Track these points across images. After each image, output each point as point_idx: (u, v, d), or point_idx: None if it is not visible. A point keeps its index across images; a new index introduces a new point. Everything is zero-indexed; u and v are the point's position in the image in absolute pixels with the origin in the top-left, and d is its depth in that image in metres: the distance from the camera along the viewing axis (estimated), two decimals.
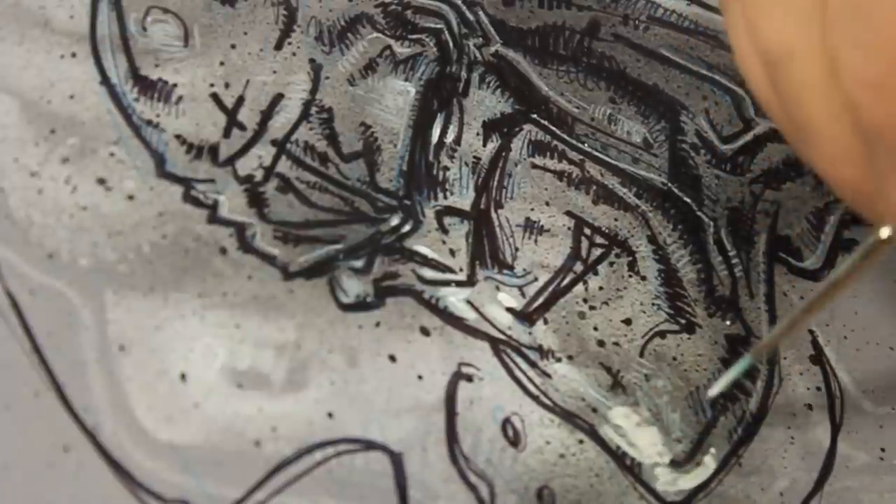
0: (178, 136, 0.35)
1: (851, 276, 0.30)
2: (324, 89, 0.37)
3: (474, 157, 0.37)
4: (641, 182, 0.38)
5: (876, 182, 0.25)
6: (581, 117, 0.39)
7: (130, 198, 0.34)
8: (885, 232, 0.27)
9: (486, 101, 0.38)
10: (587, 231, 0.37)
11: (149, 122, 0.35)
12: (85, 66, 0.35)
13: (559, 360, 0.35)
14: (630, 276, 0.37)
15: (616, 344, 0.36)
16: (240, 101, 0.36)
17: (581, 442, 0.34)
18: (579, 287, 0.36)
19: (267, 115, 0.36)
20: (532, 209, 0.37)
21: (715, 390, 0.35)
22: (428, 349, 0.34)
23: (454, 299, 0.35)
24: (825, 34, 0.25)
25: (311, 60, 0.37)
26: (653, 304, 0.36)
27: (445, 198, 0.37)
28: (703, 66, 0.41)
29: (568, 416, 0.34)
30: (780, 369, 0.37)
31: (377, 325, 0.34)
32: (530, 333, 0.35)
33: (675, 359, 0.36)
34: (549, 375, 0.35)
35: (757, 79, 0.27)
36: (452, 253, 0.36)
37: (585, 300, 0.36)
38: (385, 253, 0.35)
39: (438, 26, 0.39)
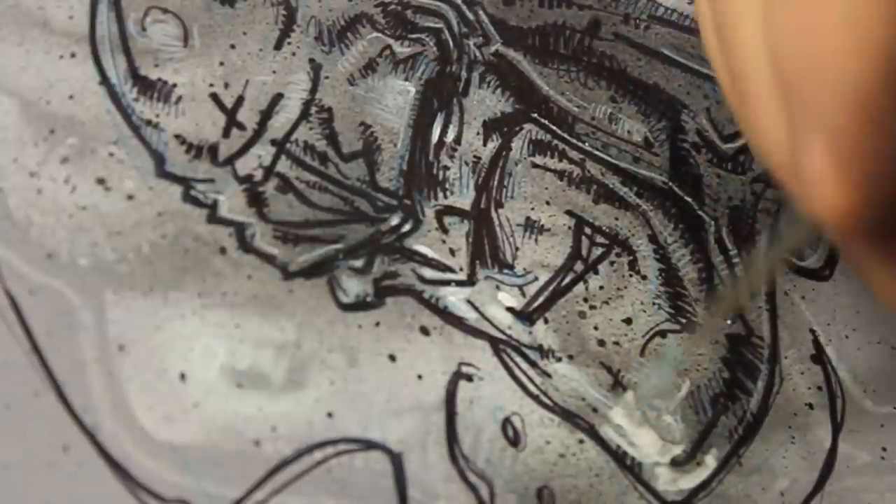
0: (177, 136, 0.35)
1: (780, 260, 0.30)
2: (323, 89, 0.37)
3: (474, 156, 0.37)
4: (642, 181, 0.38)
5: (794, 147, 0.24)
6: (581, 116, 0.39)
7: (130, 198, 0.34)
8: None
9: (486, 101, 0.38)
10: (588, 230, 0.37)
11: (148, 122, 0.35)
12: (84, 66, 0.35)
13: (559, 359, 0.35)
14: (631, 275, 0.37)
15: (616, 343, 0.36)
16: (239, 100, 0.36)
17: (581, 442, 0.34)
18: (580, 286, 0.36)
19: (266, 114, 0.36)
20: (532, 208, 0.37)
21: (647, 391, 0.35)
22: (428, 349, 0.34)
23: (454, 299, 0.35)
24: None
25: (311, 60, 0.37)
26: (653, 304, 0.36)
27: (445, 197, 0.37)
28: (704, 65, 0.41)
29: (568, 416, 0.34)
30: (781, 369, 0.37)
31: (377, 324, 0.34)
32: (530, 333, 0.35)
33: (675, 358, 0.36)
34: (549, 375, 0.35)
35: (707, 31, 0.27)
36: (452, 252, 0.36)
37: (586, 299, 0.36)
38: (385, 252, 0.35)
39: (438, 26, 0.39)
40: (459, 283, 0.35)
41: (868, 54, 0.21)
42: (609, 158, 0.38)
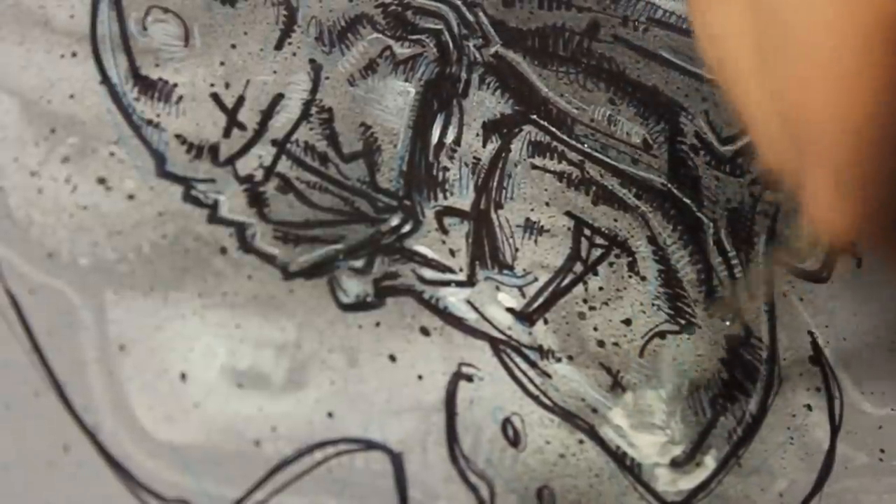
0: (178, 136, 0.35)
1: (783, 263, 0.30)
2: (324, 89, 0.37)
3: (474, 157, 0.37)
4: (641, 183, 0.38)
5: (800, 174, 0.26)
6: (581, 118, 0.39)
7: (130, 197, 0.34)
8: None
9: (485, 102, 0.38)
10: (587, 231, 0.37)
11: (149, 122, 0.35)
12: (85, 65, 0.35)
13: (559, 360, 0.35)
14: (630, 276, 0.37)
15: (616, 344, 0.36)
16: (240, 100, 0.36)
17: (581, 442, 0.34)
18: (579, 287, 0.36)
19: (267, 114, 0.36)
20: (532, 209, 0.37)
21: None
22: (428, 349, 0.34)
23: (454, 299, 0.35)
24: (755, 22, 0.25)
25: (312, 60, 0.37)
26: (652, 305, 0.36)
27: (445, 198, 0.37)
28: (702, 68, 0.41)
29: (568, 417, 0.34)
30: (780, 370, 0.37)
31: (377, 324, 0.34)
32: (530, 334, 0.35)
33: (674, 359, 0.36)
34: (549, 375, 0.35)
35: (709, 60, 0.28)
36: (452, 253, 0.36)
37: (585, 300, 0.36)
38: (385, 253, 0.35)
39: (438, 27, 0.39)
40: (459, 284, 0.35)
41: (861, 105, 0.23)
42: (608, 160, 0.38)
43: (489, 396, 0.34)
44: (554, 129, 0.39)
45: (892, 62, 0.23)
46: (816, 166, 0.25)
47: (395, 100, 0.38)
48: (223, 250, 0.34)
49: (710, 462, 0.35)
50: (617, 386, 0.35)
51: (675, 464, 0.35)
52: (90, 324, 0.32)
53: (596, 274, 0.37)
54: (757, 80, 0.26)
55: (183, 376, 0.32)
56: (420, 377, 0.34)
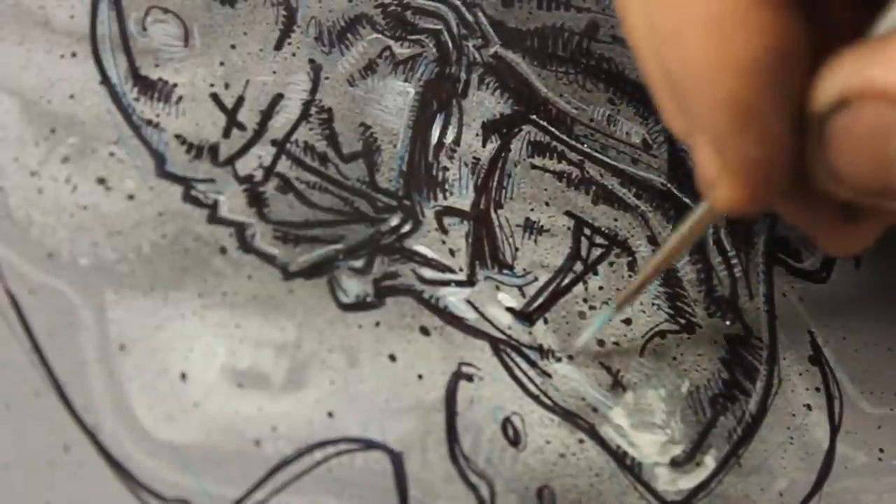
0: (178, 136, 0.35)
1: (693, 232, 0.30)
2: (323, 89, 0.37)
3: (474, 157, 0.37)
4: (641, 182, 0.38)
5: (689, 143, 0.25)
6: (580, 118, 0.39)
7: (130, 197, 0.34)
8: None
9: (485, 102, 0.38)
10: (587, 231, 0.37)
11: (149, 122, 0.35)
12: (85, 65, 0.35)
13: (559, 359, 0.35)
14: (630, 275, 0.37)
15: (616, 344, 0.36)
16: (240, 101, 0.36)
17: (581, 441, 0.34)
18: (579, 287, 0.36)
19: (267, 115, 0.36)
20: (532, 209, 0.37)
21: (580, 343, 0.35)
22: (428, 349, 0.34)
23: (454, 299, 0.35)
24: None
25: (311, 61, 0.37)
26: (652, 304, 0.36)
27: (445, 198, 0.37)
28: None
29: (568, 416, 0.34)
30: (780, 370, 0.37)
31: (377, 324, 0.34)
32: (530, 333, 0.35)
33: (674, 358, 0.36)
34: (549, 375, 0.35)
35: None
36: (452, 253, 0.36)
37: (585, 300, 0.36)
38: (385, 253, 0.35)
39: (438, 27, 0.39)
40: (459, 284, 0.35)
41: (735, 66, 0.22)
42: (608, 160, 0.39)
43: (489, 396, 0.34)
44: (553, 129, 0.39)
45: (766, 25, 0.22)
46: (697, 131, 0.24)
47: (394, 100, 0.38)
48: (223, 250, 0.34)
49: (710, 461, 0.35)
50: (617, 385, 0.35)
51: (676, 463, 0.35)
52: (90, 324, 0.32)
53: (596, 273, 0.37)
54: (647, 38, 0.25)
55: (183, 376, 0.32)
56: (420, 377, 0.34)
